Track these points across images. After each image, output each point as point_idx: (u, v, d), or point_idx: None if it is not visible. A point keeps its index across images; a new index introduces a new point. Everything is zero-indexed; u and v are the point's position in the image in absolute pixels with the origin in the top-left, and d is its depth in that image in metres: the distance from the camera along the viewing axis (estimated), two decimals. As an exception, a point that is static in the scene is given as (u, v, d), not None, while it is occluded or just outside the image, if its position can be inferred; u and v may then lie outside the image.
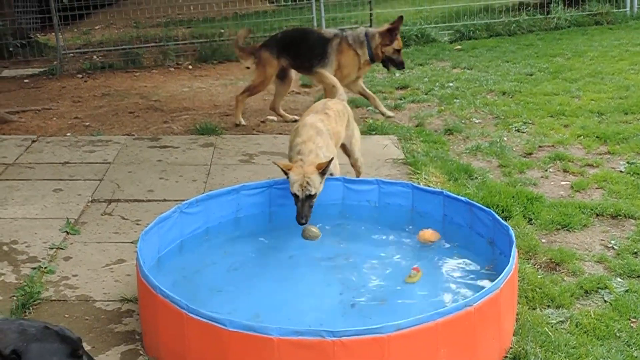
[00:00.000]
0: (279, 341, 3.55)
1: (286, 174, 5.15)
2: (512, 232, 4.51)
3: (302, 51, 8.44)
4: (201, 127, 8.34)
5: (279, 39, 8.70)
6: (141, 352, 4.27)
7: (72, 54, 13.24)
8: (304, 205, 5.07)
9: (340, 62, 8.30)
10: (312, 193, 5.06)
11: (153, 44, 13.57)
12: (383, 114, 8.72)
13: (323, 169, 5.09)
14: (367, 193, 5.50)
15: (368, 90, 8.93)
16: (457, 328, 3.75)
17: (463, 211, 5.07)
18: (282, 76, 8.72)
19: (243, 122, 8.68)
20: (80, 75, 12.00)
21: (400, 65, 8.78)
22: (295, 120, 8.00)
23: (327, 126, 5.54)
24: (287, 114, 8.89)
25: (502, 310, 4.05)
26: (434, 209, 5.24)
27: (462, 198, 5.19)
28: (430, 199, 5.26)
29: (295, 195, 5.09)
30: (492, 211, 4.89)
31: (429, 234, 5.10)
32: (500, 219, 4.76)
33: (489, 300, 3.86)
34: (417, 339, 3.63)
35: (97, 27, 15.82)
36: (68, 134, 8.40)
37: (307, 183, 5.05)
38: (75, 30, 15.35)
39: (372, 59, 8.51)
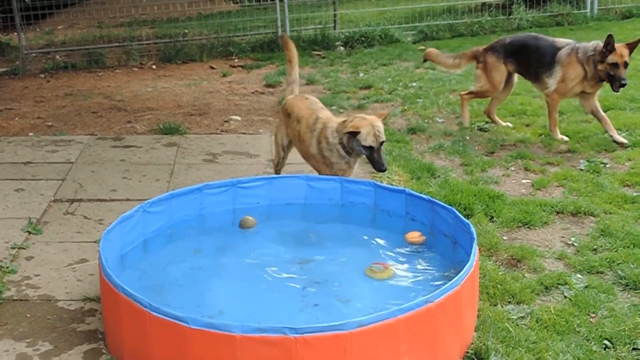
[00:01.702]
0: (242, 338, 3.55)
1: (355, 134, 5.32)
2: (473, 229, 4.56)
3: (531, 58, 8.06)
4: (165, 126, 8.32)
5: (506, 43, 8.30)
6: (104, 351, 4.26)
7: (34, 54, 13.14)
8: (380, 153, 5.38)
9: (565, 75, 7.75)
10: (384, 139, 5.42)
11: (116, 44, 13.51)
12: (615, 141, 7.65)
13: (384, 117, 5.56)
14: (330, 191, 5.52)
15: (601, 112, 7.89)
16: (418, 324, 3.78)
17: (425, 209, 5.12)
18: (505, 81, 8.35)
19: (466, 123, 8.50)
20: (42, 75, 11.92)
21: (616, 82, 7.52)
22: (509, 127, 8.35)
23: None
24: (500, 120, 8.54)
25: (463, 307, 4.09)
26: (397, 207, 5.28)
27: (424, 196, 5.24)
28: (393, 197, 5.30)
29: (370, 148, 5.35)
30: (453, 209, 4.94)
31: (416, 235, 5.10)
32: (462, 217, 4.81)
33: (450, 297, 3.90)
34: (379, 335, 3.66)
35: (60, 27, 15.70)
36: (30, 134, 8.34)
37: (378, 131, 5.37)
38: (38, 30, 15.24)
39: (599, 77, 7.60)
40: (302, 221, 5.50)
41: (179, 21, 15.81)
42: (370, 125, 5.34)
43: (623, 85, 7.48)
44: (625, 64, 7.40)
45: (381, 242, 5.14)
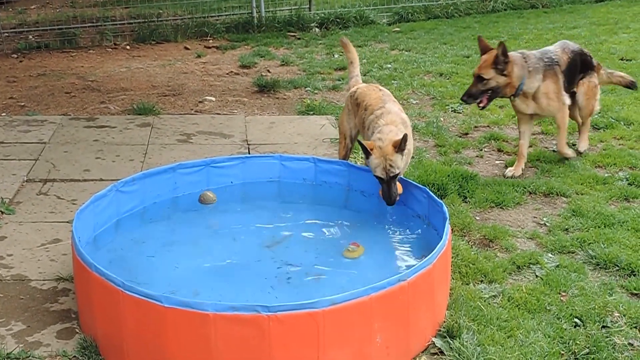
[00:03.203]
0: (215, 316, 3.57)
1: (367, 154, 4.92)
2: (445, 208, 4.60)
3: None
4: (138, 107, 8.27)
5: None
6: (77, 330, 4.27)
7: (6, 34, 12.95)
8: (390, 186, 4.92)
9: None
10: (396, 173, 4.91)
11: (90, 24, 13.35)
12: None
13: (399, 146, 4.87)
14: (304, 171, 5.54)
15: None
16: (391, 303, 3.81)
17: (398, 189, 5.14)
18: None
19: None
20: (15, 55, 11.76)
21: None
22: None
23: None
24: None
25: (435, 285, 4.13)
26: (370, 187, 5.29)
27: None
28: (366, 177, 5.30)
29: (379, 178, 4.94)
30: (426, 189, 4.97)
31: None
32: (434, 196, 4.84)
33: (422, 275, 3.93)
34: (351, 313, 3.69)
35: (32, 7, 15.50)
36: (3, 114, 8.26)
37: (390, 165, 4.87)
38: (10, 9, 15.06)
39: None
40: (276, 201, 5.52)
41: (153, 1, 15.66)
42: (383, 157, 4.87)
43: (466, 102, 6.77)
44: (479, 78, 6.38)
45: (354, 221, 5.16)
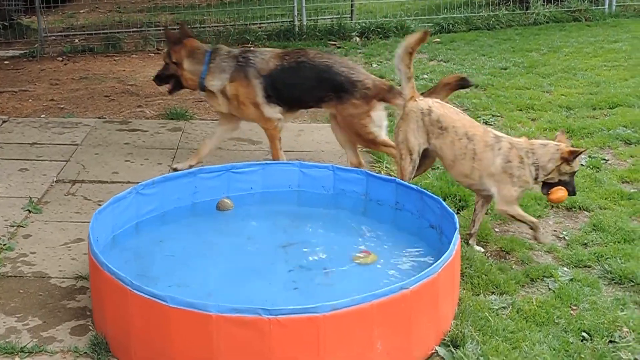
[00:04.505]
0: (217, 318, 3.65)
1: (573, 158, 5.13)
2: (456, 219, 4.62)
3: None
4: (171, 111, 8.42)
5: None
6: (91, 327, 4.38)
7: (53, 37, 13.26)
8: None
9: None
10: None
11: (135, 29, 13.61)
12: None
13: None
14: (323, 179, 5.60)
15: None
16: (392, 310, 3.86)
17: (414, 199, 5.18)
18: None
19: None
20: (60, 58, 12.03)
21: None
22: None
23: None
24: None
25: (440, 295, 4.15)
26: (387, 196, 5.35)
27: (414, 186, 5.30)
28: (384, 187, 5.37)
29: (574, 173, 5.26)
30: (440, 199, 4.99)
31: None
32: (447, 207, 4.86)
33: (426, 284, 3.97)
34: (352, 319, 3.74)
35: (82, 11, 15.85)
36: (42, 116, 8.47)
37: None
38: (60, 13, 15.39)
39: None
40: (294, 207, 5.60)
41: (199, 8, 15.91)
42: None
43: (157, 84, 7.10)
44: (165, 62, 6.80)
45: (370, 229, 5.21)
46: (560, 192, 5.25)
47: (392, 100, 6.27)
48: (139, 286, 3.84)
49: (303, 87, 6.29)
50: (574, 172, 5.28)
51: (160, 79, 6.70)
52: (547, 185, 5.28)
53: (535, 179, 5.23)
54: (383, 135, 6.37)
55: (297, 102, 6.42)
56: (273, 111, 6.36)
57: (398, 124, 5.55)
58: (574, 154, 5.11)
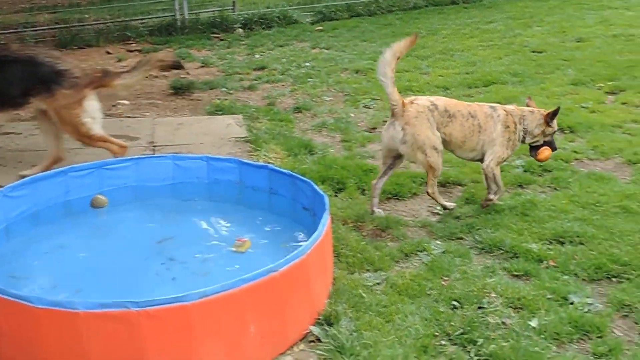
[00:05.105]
0: (85, 314, 3.60)
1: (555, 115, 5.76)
2: (327, 200, 4.69)
3: None
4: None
5: None
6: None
7: None
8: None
9: None
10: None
11: (12, 30, 13.24)
12: None
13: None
14: (197, 170, 5.60)
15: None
16: (263, 293, 3.88)
17: (287, 183, 5.23)
18: None
19: None
20: None
21: None
22: None
23: None
24: None
25: (312, 275, 4.21)
26: (261, 182, 5.39)
27: (286, 171, 5.36)
28: (257, 173, 5.41)
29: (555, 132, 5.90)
30: (311, 182, 5.06)
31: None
32: (318, 189, 4.92)
33: (295, 265, 4.01)
34: (223, 305, 3.75)
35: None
36: None
37: None
38: None
39: None
40: (170, 200, 5.58)
41: (79, 6, 15.59)
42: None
43: None
44: None
45: (245, 216, 5.25)
46: (546, 152, 5.88)
47: (110, 83, 6.24)
48: (2, 289, 3.76)
49: (6, 82, 6.04)
50: (555, 131, 5.89)
51: None
52: (534, 148, 5.92)
53: (522, 141, 5.82)
54: (98, 129, 6.27)
55: (3, 99, 6.14)
56: None
57: (407, 130, 5.50)
58: (552, 115, 5.73)
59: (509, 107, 5.87)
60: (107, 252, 4.84)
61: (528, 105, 5.95)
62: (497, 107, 5.80)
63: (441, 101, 5.69)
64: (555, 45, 11.22)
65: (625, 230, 5.34)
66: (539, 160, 6.06)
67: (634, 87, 8.95)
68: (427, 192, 5.71)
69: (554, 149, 5.94)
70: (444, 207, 5.75)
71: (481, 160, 5.79)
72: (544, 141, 5.86)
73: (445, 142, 5.67)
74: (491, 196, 5.78)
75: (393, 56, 5.44)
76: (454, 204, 5.78)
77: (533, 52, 10.78)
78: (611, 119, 7.86)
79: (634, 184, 6.23)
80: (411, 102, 5.57)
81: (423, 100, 5.64)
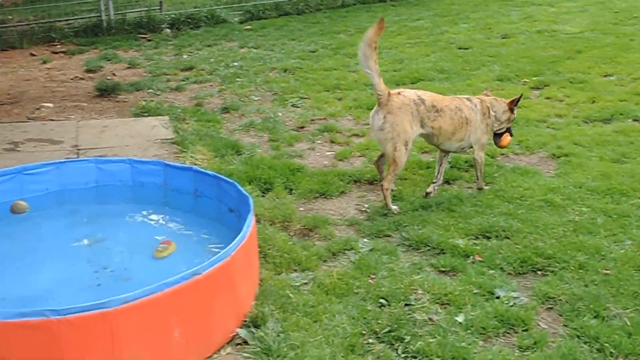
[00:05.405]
0: (3, 324, 3.51)
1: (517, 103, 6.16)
2: (251, 201, 4.66)
3: None
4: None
5: None
6: None
7: None
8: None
9: None
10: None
11: None
12: None
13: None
14: (120, 173, 5.51)
15: None
16: (187, 297, 3.83)
17: (211, 185, 5.18)
18: None
19: None
20: None
21: None
22: None
23: None
24: None
25: (237, 277, 4.18)
26: (186, 184, 5.33)
27: (210, 172, 5.31)
28: (181, 175, 5.35)
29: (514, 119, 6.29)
30: (235, 183, 5.01)
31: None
32: (243, 190, 4.88)
33: (220, 268, 3.97)
34: (146, 310, 3.69)
35: None
36: None
37: None
38: None
39: None
40: (93, 204, 5.47)
41: (2, 7, 15.24)
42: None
43: None
44: None
45: (170, 219, 5.18)
46: (508, 138, 6.27)
47: None
48: None
49: None
50: (514, 119, 6.28)
51: None
52: (497, 136, 6.24)
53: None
54: None
55: None
56: None
57: (387, 119, 5.63)
58: (515, 102, 6.14)
59: (482, 96, 6.20)
60: (30, 260, 4.72)
61: (487, 96, 6.23)
62: (472, 98, 6.12)
63: (428, 96, 5.86)
64: (481, 42, 11.37)
65: (550, 223, 5.43)
66: (501, 147, 6.39)
67: (558, 82, 9.13)
68: (382, 186, 5.79)
69: (512, 135, 6.33)
70: (389, 208, 5.76)
71: (464, 150, 6.17)
72: (507, 128, 6.22)
73: (433, 136, 5.88)
74: (481, 183, 6.15)
75: (370, 47, 5.48)
76: (397, 208, 5.77)
77: (459, 48, 10.91)
78: (536, 113, 7.99)
79: (558, 177, 6.33)
80: (397, 94, 5.73)
81: (410, 93, 5.81)
